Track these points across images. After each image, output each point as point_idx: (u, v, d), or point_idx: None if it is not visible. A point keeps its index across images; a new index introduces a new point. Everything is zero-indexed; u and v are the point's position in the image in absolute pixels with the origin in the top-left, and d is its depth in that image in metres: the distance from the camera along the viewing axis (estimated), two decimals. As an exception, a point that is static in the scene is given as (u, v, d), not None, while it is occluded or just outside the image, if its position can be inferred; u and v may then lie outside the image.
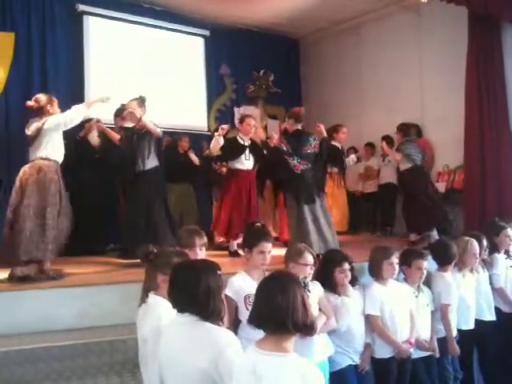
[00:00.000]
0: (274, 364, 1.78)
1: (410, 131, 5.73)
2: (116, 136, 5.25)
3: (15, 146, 5.96)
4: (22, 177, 4.07)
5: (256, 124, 5.53)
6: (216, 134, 5.26)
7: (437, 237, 5.54)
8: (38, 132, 4.10)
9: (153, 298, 2.38)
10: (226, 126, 5.35)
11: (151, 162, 4.79)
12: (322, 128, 5.26)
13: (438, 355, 3.67)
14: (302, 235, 4.70)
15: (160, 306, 2.30)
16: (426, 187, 5.75)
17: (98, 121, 5.48)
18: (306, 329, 1.85)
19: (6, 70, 6.00)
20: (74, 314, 3.54)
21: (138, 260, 4.61)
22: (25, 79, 6.18)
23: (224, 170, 5.94)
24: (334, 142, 5.87)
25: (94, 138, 5.30)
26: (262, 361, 1.79)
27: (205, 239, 3.00)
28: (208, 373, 1.90)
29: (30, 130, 4.16)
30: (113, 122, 5.77)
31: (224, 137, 5.25)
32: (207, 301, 1.98)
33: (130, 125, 4.99)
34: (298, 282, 1.92)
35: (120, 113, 5.37)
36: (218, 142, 5.16)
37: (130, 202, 4.93)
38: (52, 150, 4.19)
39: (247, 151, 5.32)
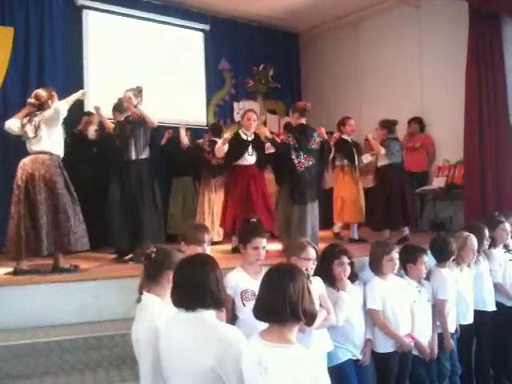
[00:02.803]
0: (279, 356, 1.80)
1: (392, 128, 5.71)
2: (111, 125, 5.22)
3: (13, 139, 5.93)
4: (25, 170, 4.03)
5: (256, 118, 5.43)
6: (220, 142, 5.40)
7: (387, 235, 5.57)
8: (39, 125, 4.08)
9: (146, 297, 2.35)
10: (228, 136, 5.47)
11: (142, 153, 4.72)
12: (323, 131, 5.14)
13: (435, 356, 3.66)
14: (289, 230, 4.73)
15: (155, 306, 2.28)
16: (398, 186, 5.64)
17: (98, 108, 5.37)
18: (312, 318, 1.90)
19: (4, 64, 5.97)
20: (73, 309, 3.54)
21: (128, 256, 4.69)
22: (23, 73, 6.13)
23: (215, 162, 5.94)
24: (342, 136, 5.94)
25: (91, 132, 5.24)
26: (267, 353, 1.81)
27: (211, 234, 3.03)
28: (214, 370, 1.89)
29: (28, 127, 4.10)
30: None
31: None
32: (219, 291, 2.02)
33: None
34: (303, 273, 1.97)
35: (118, 107, 5.34)
36: (222, 150, 5.32)
37: (115, 193, 4.74)
38: (53, 144, 4.18)
39: (250, 147, 5.30)
